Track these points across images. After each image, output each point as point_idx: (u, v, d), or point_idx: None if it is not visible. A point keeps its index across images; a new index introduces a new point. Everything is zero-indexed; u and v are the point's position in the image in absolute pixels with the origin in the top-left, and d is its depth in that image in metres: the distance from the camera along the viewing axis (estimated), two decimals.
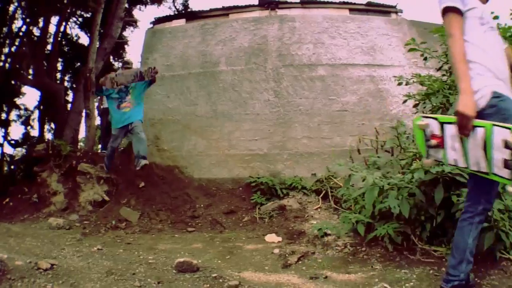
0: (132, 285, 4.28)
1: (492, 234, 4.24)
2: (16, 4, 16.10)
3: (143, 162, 8.86)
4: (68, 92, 19.86)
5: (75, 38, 20.30)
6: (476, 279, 4.12)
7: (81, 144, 17.77)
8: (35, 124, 21.11)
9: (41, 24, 16.99)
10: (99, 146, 13.65)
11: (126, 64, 10.27)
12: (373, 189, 5.28)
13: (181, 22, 12.32)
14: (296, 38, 11.20)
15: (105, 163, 9.76)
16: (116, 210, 8.97)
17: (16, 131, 27.82)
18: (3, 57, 16.56)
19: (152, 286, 4.30)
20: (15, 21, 16.92)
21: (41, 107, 19.52)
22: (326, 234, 6.39)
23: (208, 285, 4.33)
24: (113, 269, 4.82)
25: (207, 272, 4.79)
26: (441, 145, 3.46)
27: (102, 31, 15.28)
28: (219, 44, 11.36)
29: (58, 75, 19.73)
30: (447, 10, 3.42)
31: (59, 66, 19.67)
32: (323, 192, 9.18)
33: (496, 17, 6.14)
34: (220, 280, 4.45)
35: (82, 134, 16.63)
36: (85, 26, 18.46)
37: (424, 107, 6.76)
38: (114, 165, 10.02)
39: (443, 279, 3.61)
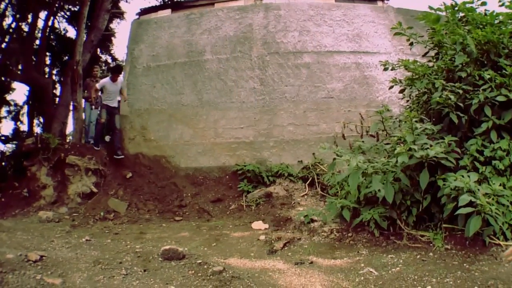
0: (119, 273, 4.35)
1: (479, 219, 4.24)
2: (7, 1, 15.99)
3: None
4: (56, 86, 19.78)
5: (63, 32, 20.19)
6: (465, 265, 4.16)
7: (70, 138, 17.72)
8: (25, 119, 21.01)
9: (30, 20, 16.96)
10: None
11: None
12: (356, 172, 5.31)
13: (167, 12, 12.24)
14: (281, 26, 11.17)
15: None
16: (104, 201, 9.02)
17: (7, 127, 27.70)
18: None
19: (138, 274, 4.36)
20: (6, 19, 16.83)
21: (30, 101, 19.42)
22: (312, 220, 6.46)
23: (193, 272, 4.39)
24: (101, 258, 4.88)
25: (193, 259, 4.86)
26: None
27: (89, 23, 15.21)
28: (204, 33, 11.32)
29: (47, 69, 19.63)
30: None
31: (47, 60, 19.58)
32: (310, 179, 9.26)
33: (483, 3, 6.20)
34: (205, 266, 4.51)
35: (70, 127, 16.56)
36: (73, 19, 18.32)
37: (411, 93, 6.80)
38: None
39: None
